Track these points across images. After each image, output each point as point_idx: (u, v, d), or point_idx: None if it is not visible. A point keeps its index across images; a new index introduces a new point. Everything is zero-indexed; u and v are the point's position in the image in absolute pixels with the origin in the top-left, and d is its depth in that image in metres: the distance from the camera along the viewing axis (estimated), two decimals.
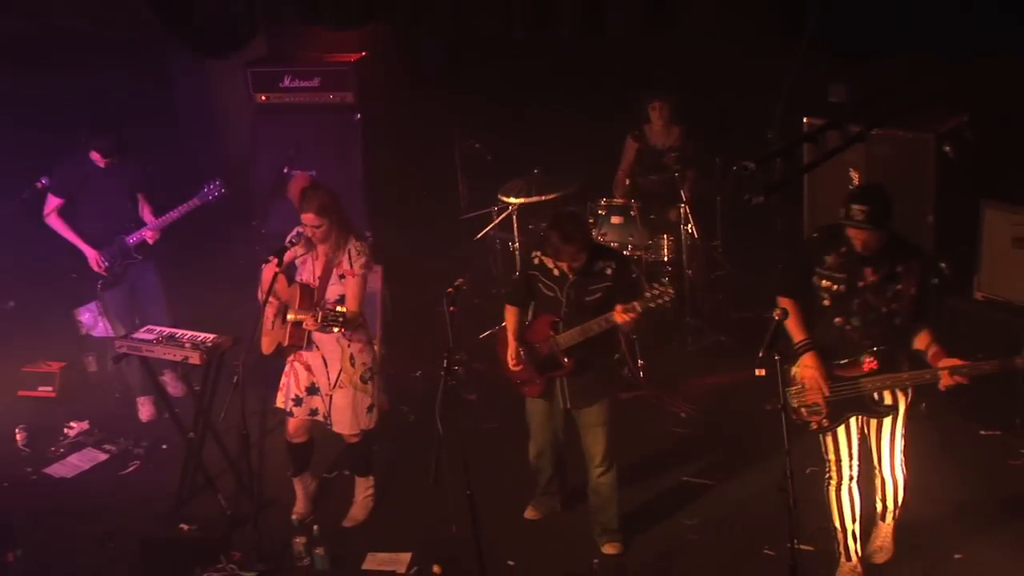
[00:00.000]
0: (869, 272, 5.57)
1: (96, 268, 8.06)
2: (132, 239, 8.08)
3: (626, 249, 8.61)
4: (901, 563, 6.15)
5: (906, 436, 5.87)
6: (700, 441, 7.67)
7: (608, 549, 6.55)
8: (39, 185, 8.12)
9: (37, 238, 8.44)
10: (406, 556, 6.68)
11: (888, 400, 5.72)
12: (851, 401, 5.69)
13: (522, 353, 6.32)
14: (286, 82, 9.49)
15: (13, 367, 8.95)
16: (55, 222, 8.08)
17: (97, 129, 7.91)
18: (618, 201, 8.78)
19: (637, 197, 8.77)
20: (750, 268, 9.17)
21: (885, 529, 6.17)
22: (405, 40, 9.47)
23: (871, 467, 5.94)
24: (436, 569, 6.48)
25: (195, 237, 8.98)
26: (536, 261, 6.29)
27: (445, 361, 5.84)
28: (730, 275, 9.19)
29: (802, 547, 5.45)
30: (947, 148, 7.18)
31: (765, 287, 8.76)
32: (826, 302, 5.69)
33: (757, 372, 5.29)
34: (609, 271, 6.14)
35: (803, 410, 5.76)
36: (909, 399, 5.78)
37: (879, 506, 6.08)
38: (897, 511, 6.08)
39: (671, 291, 5.91)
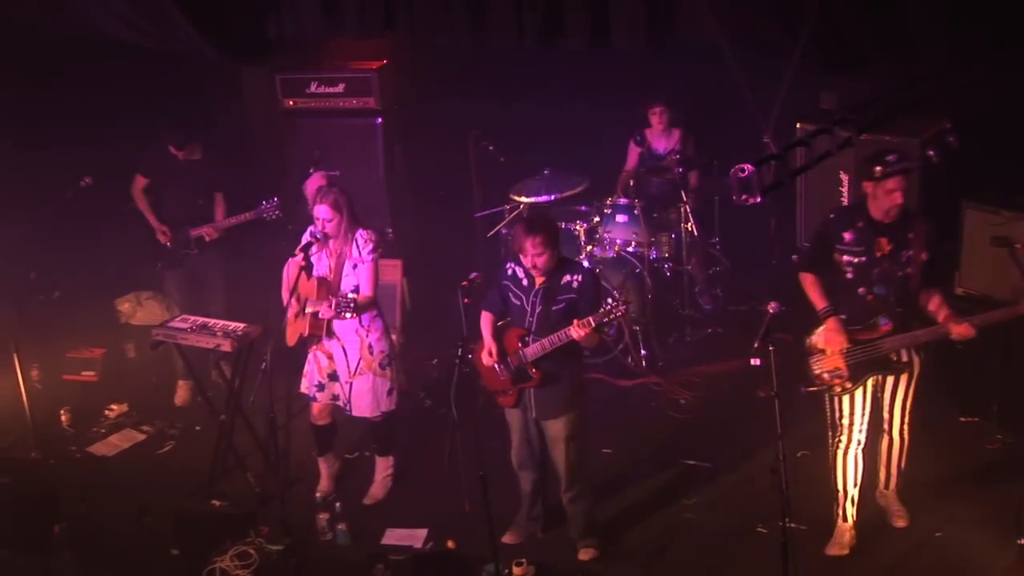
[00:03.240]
0: (884, 242, 5.76)
1: (161, 238, 8.18)
2: (193, 232, 8.15)
3: (630, 246, 8.62)
4: (885, 540, 6.16)
5: (916, 398, 6.02)
6: (698, 426, 7.68)
7: (583, 555, 6.38)
8: (83, 184, 8.14)
9: (80, 233, 8.48)
10: (422, 532, 6.71)
11: (905, 358, 5.89)
12: (871, 363, 5.84)
13: (496, 352, 6.09)
14: (312, 88, 9.47)
15: (58, 353, 8.99)
16: (138, 197, 8.26)
17: (170, 123, 8.12)
18: (623, 201, 8.78)
19: (640, 197, 8.76)
20: (746, 264, 9.16)
21: (892, 496, 6.33)
22: (423, 49, 9.47)
23: (879, 431, 6.10)
24: (450, 544, 6.50)
25: (226, 232, 9.00)
26: (510, 272, 6.15)
27: (459, 350, 5.85)
28: (727, 271, 9.18)
29: (793, 526, 5.45)
30: (931, 152, 7.16)
31: (760, 283, 8.86)
32: (849, 275, 5.86)
33: (752, 362, 5.29)
34: (575, 284, 5.96)
35: (825, 375, 5.91)
36: (922, 360, 5.95)
37: (882, 473, 6.26)
38: (898, 478, 6.26)
39: (623, 306, 5.73)
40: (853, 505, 6.12)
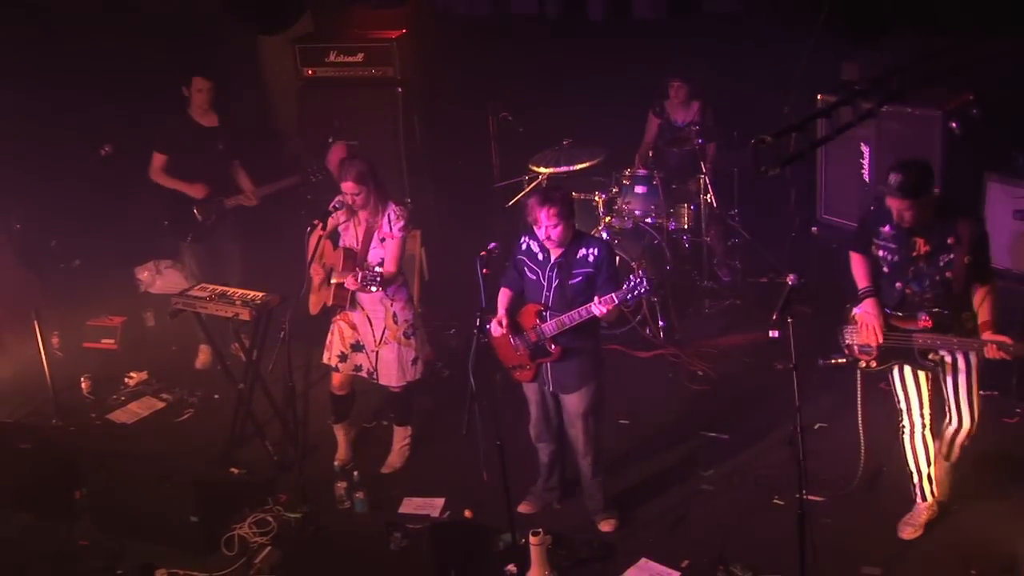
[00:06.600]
0: (920, 243, 5.58)
1: (201, 195, 8.00)
2: (230, 202, 8.12)
3: (648, 217, 8.59)
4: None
5: (979, 388, 5.75)
6: (715, 398, 7.67)
7: (604, 527, 6.36)
8: (102, 153, 8.14)
9: (100, 203, 8.50)
10: (439, 501, 6.72)
11: (948, 359, 5.71)
12: (899, 351, 5.74)
13: (506, 322, 6.07)
14: (331, 57, 9.46)
15: (79, 321, 9.05)
16: (160, 177, 8.05)
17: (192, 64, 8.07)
18: (641, 172, 8.75)
19: (659, 168, 8.73)
20: (765, 236, 9.12)
21: (948, 468, 6.09)
22: (443, 18, 9.44)
23: (943, 414, 5.89)
24: (467, 513, 6.53)
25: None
26: (524, 246, 6.11)
27: (478, 320, 5.83)
28: (746, 242, 9.15)
29: (810, 497, 5.44)
30: (953, 124, 7.10)
31: (779, 254, 8.82)
32: (885, 269, 5.76)
33: (770, 334, 5.26)
34: (591, 258, 5.90)
35: (855, 347, 5.86)
36: (979, 357, 5.64)
37: (945, 447, 5.96)
38: (960, 452, 5.96)
39: (646, 283, 5.61)
40: (931, 483, 6.01)
